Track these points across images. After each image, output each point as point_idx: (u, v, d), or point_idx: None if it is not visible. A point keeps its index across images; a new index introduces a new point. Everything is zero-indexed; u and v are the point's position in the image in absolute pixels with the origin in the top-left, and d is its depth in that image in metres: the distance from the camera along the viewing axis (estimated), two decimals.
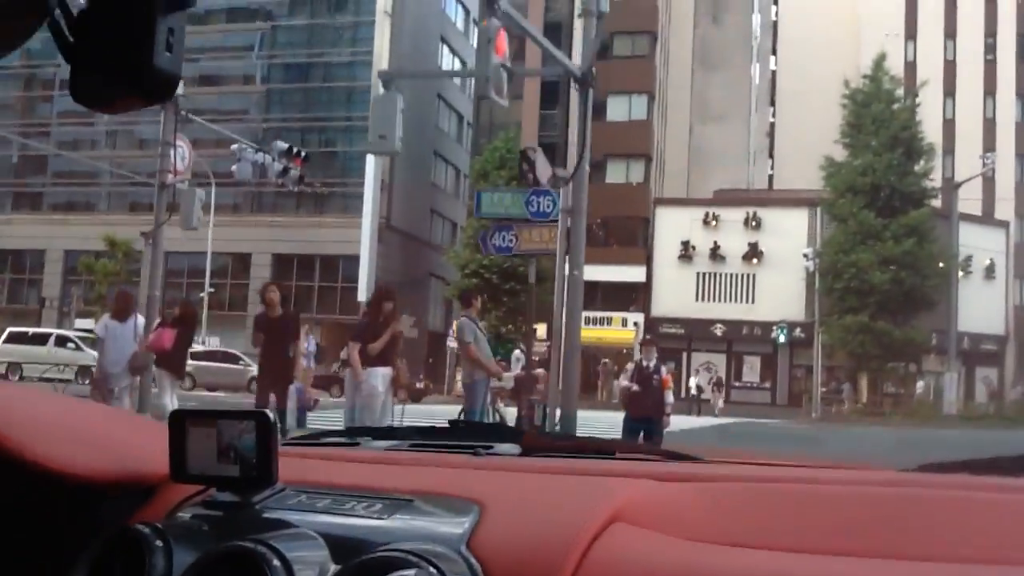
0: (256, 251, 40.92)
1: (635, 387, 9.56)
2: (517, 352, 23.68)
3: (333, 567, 0.85)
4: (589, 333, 37.05)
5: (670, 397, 9.64)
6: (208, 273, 36.41)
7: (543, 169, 11.32)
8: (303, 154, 18.57)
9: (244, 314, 40.68)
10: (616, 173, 38.44)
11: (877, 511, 0.83)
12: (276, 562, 0.83)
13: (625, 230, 38.31)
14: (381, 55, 40.37)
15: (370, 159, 39.38)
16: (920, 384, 32.02)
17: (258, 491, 1.01)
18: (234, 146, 18.55)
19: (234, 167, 18.48)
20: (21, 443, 1.01)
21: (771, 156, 45.67)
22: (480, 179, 35.14)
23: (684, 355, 36.50)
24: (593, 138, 37.01)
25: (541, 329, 37.05)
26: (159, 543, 0.90)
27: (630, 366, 10.26)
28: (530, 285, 33.74)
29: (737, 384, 36.27)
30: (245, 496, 1.01)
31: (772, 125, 45.28)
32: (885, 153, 31.22)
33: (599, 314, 37.08)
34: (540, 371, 14.93)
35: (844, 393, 31.92)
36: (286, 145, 18.58)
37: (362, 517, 0.95)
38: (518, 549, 0.83)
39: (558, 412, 10.78)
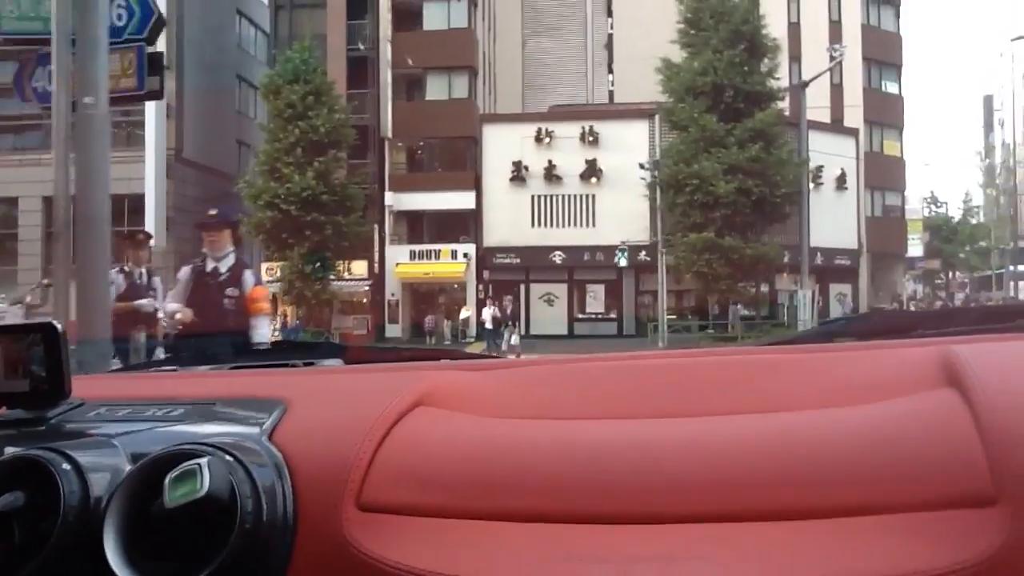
0: (24, 194, 34.63)
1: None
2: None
3: (129, 468, 0.82)
4: (416, 268, 33.32)
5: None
6: None
7: None
8: None
9: (14, 268, 34.63)
10: (437, 89, 34.07)
11: (664, 377, 0.90)
12: (66, 466, 0.79)
13: (450, 152, 34.13)
14: None
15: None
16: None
17: (52, 406, 0.97)
18: None
19: None
20: None
21: (611, 71, 42.16)
22: (270, 95, 30.09)
23: (522, 287, 32.89)
24: (410, 49, 31.93)
25: (358, 267, 32.80)
26: None
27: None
28: (336, 218, 30.03)
29: (581, 316, 32.88)
30: (38, 411, 0.97)
31: (610, 37, 41.71)
32: (726, 50, 28.00)
33: (426, 247, 32.97)
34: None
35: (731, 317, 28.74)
36: None
37: (161, 421, 0.93)
38: (321, 437, 0.84)
39: None
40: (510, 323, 26.98)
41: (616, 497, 0.70)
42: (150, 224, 33.44)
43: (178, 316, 6.04)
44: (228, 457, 0.77)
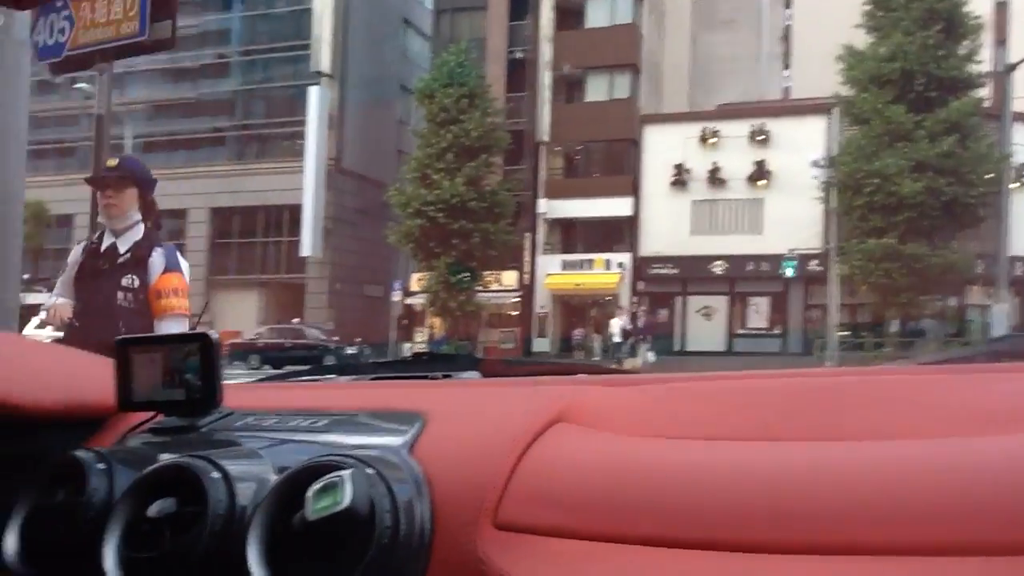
0: (192, 206, 35.77)
1: None
2: None
3: (274, 478, 0.83)
4: (567, 279, 31.56)
5: None
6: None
7: None
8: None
9: None
10: (597, 89, 32.30)
11: (814, 398, 0.86)
12: (215, 474, 0.82)
13: (609, 156, 32.22)
14: None
15: (312, 92, 33.95)
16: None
17: (204, 414, 1.01)
18: None
19: None
20: None
21: (786, 65, 38.80)
22: (424, 100, 29.28)
23: (678, 299, 30.43)
24: (571, 48, 30.12)
25: (508, 277, 31.43)
26: (101, 466, 0.90)
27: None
28: (484, 225, 28.76)
29: (741, 331, 29.97)
30: (191, 419, 1.01)
31: (787, 29, 38.40)
32: (919, 32, 24.58)
33: (579, 257, 31.18)
34: None
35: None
36: None
37: (306, 432, 0.95)
38: (459, 452, 0.83)
39: None
40: (643, 337, 24.60)
41: (759, 525, 0.66)
42: (307, 235, 33.67)
43: (48, 313, 4.20)
44: (369, 470, 0.78)
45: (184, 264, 3.89)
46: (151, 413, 1.05)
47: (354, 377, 1.42)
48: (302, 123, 34.32)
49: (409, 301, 31.98)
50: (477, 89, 29.14)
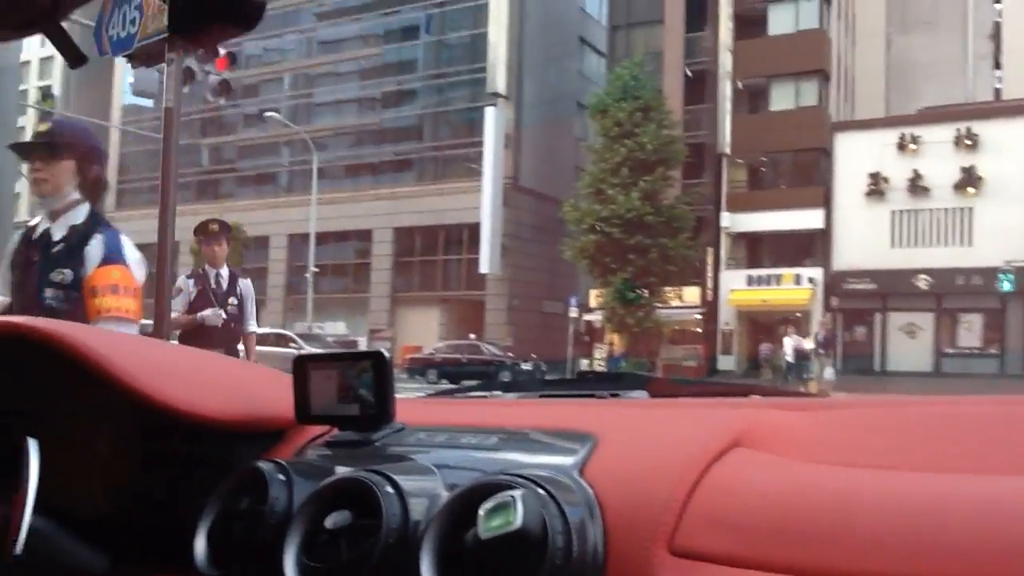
0: (377, 226, 36.83)
1: None
2: None
3: (445, 494, 0.85)
4: (753, 295, 29.99)
5: None
6: (312, 253, 32.47)
7: None
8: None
9: (366, 295, 36.84)
10: (783, 98, 30.72)
11: (1013, 429, 0.81)
12: (389, 489, 0.85)
13: (797, 167, 30.52)
14: None
15: (489, 113, 34.23)
16: None
17: (377, 428, 1.04)
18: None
19: (130, 80, 13.48)
20: (158, 388, 1.06)
21: (997, 65, 35.65)
22: (598, 115, 28.77)
23: (877, 316, 28.21)
24: (753, 56, 28.96)
25: (690, 293, 30.20)
26: (281, 477, 0.95)
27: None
28: (662, 240, 27.75)
29: (951, 351, 27.34)
30: (365, 434, 1.04)
31: (997, 25, 35.33)
32: None
33: (766, 272, 29.62)
34: None
35: None
36: None
37: (477, 449, 0.96)
38: (632, 475, 0.82)
39: None
40: (824, 354, 22.61)
41: (951, 562, 0.63)
42: (485, 252, 33.86)
43: None
44: (541, 491, 0.77)
45: (132, 255, 2.95)
46: (327, 426, 1.10)
47: (521, 394, 1.43)
48: (480, 143, 34.66)
49: (588, 317, 31.42)
50: (652, 102, 28.34)
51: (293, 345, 24.29)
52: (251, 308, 6.04)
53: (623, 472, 0.82)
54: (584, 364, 29.80)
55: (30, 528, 0.91)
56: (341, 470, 0.93)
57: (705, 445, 0.81)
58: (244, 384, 1.24)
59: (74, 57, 0.77)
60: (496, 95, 35.10)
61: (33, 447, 0.94)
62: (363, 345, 33.69)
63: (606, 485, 0.81)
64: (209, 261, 5.89)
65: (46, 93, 45.82)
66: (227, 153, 41.71)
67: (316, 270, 32.40)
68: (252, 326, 6.09)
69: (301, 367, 1.08)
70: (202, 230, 5.90)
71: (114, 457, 1.19)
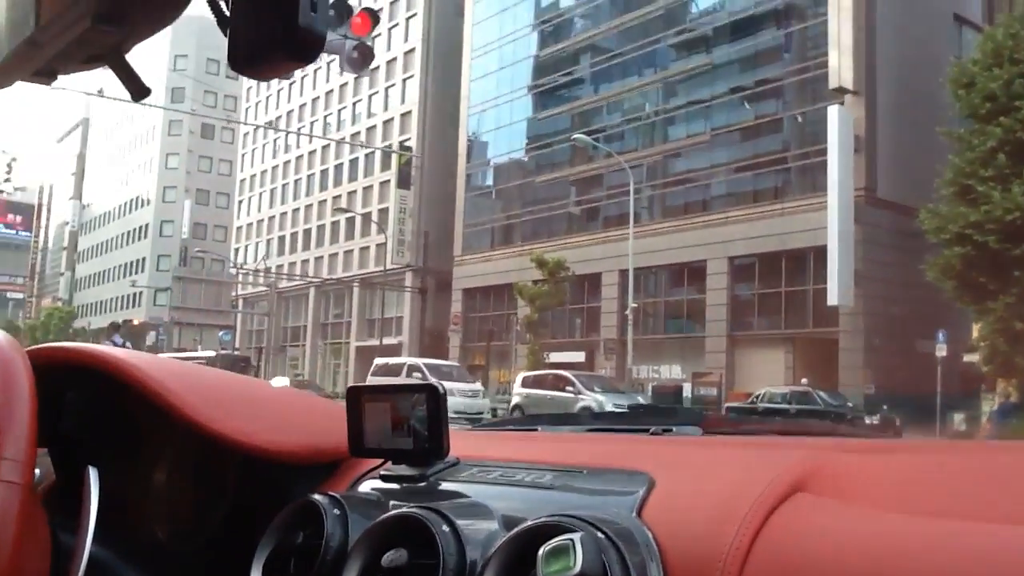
0: (710, 256, 32.73)
1: None
2: None
3: (503, 534, 0.85)
4: None
5: None
6: (631, 289, 29.39)
7: None
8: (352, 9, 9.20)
9: (701, 336, 32.84)
10: None
11: None
12: (445, 528, 0.85)
13: None
14: None
15: (832, 112, 28.84)
16: None
17: (431, 463, 1.04)
18: None
19: None
20: (213, 417, 1.07)
21: None
22: (960, 90, 22.31)
23: None
24: None
25: None
26: (337, 512, 0.96)
27: None
28: None
29: None
30: (419, 468, 1.04)
31: None
32: None
33: None
34: None
35: None
36: None
37: (532, 487, 0.96)
38: (692, 518, 0.81)
39: None
40: None
41: None
42: (834, 281, 28.17)
43: None
44: (600, 534, 0.77)
45: None
46: (381, 459, 1.09)
47: (573, 428, 1.41)
48: (822, 152, 29.27)
49: (968, 358, 24.47)
50: None
51: (570, 389, 21.49)
52: None
53: (682, 515, 0.80)
54: (958, 418, 23.09)
55: (90, 558, 0.90)
56: (396, 505, 0.93)
57: (767, 489, 0.78)
58: (298, 415, 1.23)
59: (137, 90, 0.78)
60: (842, 90, 29.48)
61: (94, 476, 0.94)
62: (687, 390, 29.79)
63: (665, 528, 0.79)
64: None
65: (404, 147, 48.34)
66: (557, 189, 40.27)
67: (634, 305, 29.18)
68: None
69: (355, 399, 1.07)
70: None
71: (171, 487, 1.20)
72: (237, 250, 65.22)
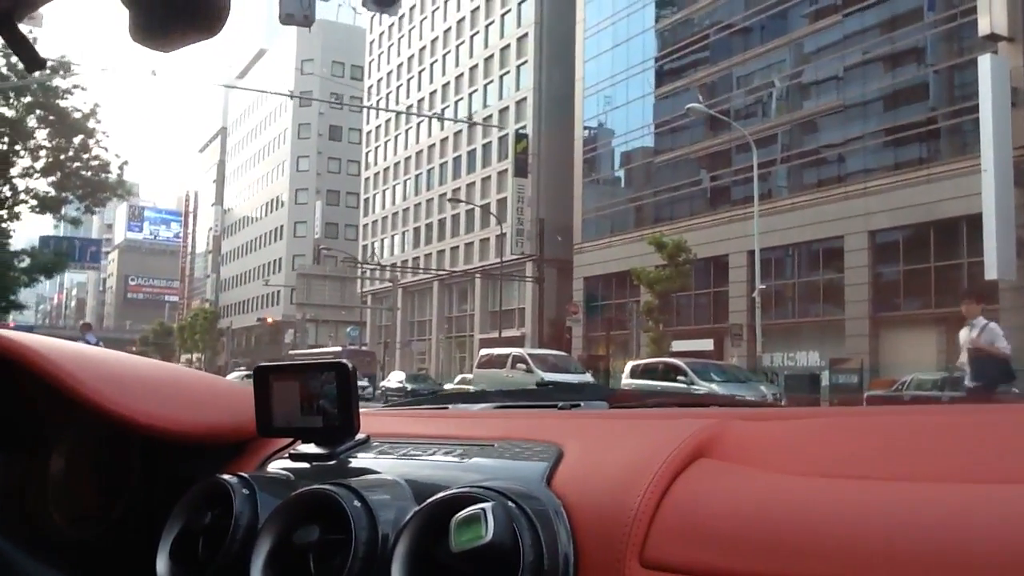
0: (848, 232, 29.97)
1: None
2: None
3: (414, 507, 0.85)
4: None
5: None
6: (758, 271, 27.13)
7: None
8: None
9: (840, 318, 30.14)
10: None
11: (979, 435, 0.81)
12: (356, 503, 0.85)
13: None
14: None
15: (983, 62, 25.67)
16: None
17: (341, 441, 1.03)
18: None
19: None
20: (115, 399, 1.06)
21: None
22: None
23: None
24: None
25: None
26: (245, 491, 0.95)
27: None
28: None
29: None
30: (329, 446, 1.03)
31: None
32: None
33: None
34: None
35: None
36: None
37: (443, 461, 0.97)
38: (599, 485, 0.83)
39: None
40: None
41: (914, 571, 0.63)
42: (991, 252, 25.05)
43: None
44: (511, 503, 0.78)
45: None
46: (289, 439, 1.08)
47: (483, 406, 1.40)
48: (973, 110, 26.12)
49: None
50: None
51: (682, 379, 19.55)
52: None
53: (590, 483, 0.82)
54: None
55: None
56: (306, 484, 0.91)
57: (671, 456, 0.81)
58: (204, 397, 1.21)
59: (31, 60, 0.76)
60: (994, 37, 26.21)
61: None
62: (825, 379, 27.25)
63: (574, 496, 0.81)
64: None
65: (520, 134, 47.17)
66: (681, 169, 38.05)
67: (763, 287, 26.87)
68: None
69: (263, 378, 1.05)
70: None
71: (72, 473, 1.18)
72: (365, 247, 65.81)
